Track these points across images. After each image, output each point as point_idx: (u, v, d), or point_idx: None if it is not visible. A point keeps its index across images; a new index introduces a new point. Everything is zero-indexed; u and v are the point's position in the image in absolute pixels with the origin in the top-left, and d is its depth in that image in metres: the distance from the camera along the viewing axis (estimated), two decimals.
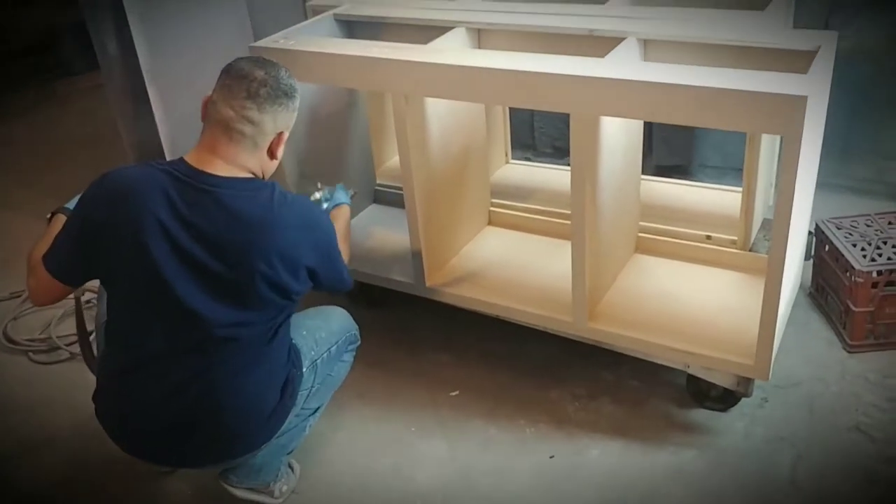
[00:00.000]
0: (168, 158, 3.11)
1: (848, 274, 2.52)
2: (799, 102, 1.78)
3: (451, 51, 2.29)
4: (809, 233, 2.80)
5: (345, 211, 2.34)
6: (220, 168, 1.79)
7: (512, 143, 3.40)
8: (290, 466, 2.29)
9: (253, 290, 1.80)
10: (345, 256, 2.07)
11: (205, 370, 1.84)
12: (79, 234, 1.80)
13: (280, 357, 1.97)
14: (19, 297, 3.26)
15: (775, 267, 1.98)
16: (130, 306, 1.83)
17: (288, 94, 1.85)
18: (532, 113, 3.75)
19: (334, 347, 2.18)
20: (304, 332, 2.11)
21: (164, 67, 3.05)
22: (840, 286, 2.59)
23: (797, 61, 2.06)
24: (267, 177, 1.90)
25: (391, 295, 2.81)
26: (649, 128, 3.34)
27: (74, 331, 2.93)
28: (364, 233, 2.96)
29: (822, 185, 3.41)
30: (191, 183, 1.76)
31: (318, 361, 2.11)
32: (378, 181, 3.13)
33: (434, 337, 2.83)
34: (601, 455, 2.32)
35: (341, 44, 2.44)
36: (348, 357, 2.29)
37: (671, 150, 3.59)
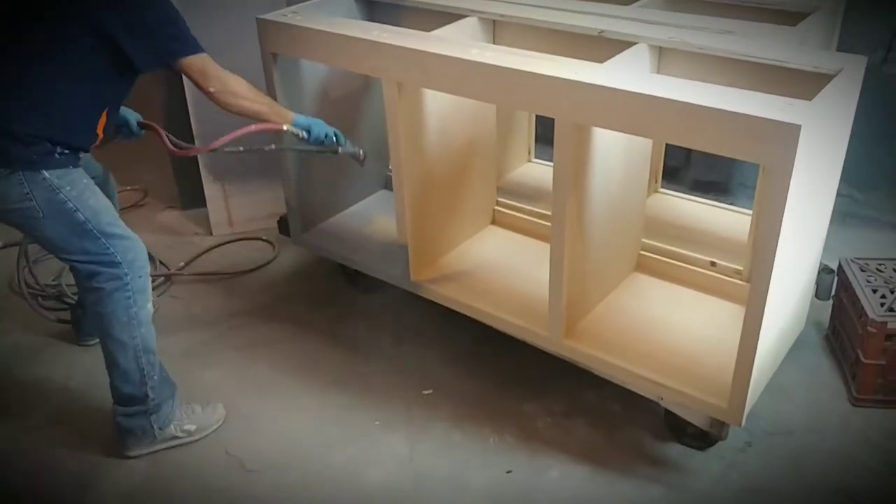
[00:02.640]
0: (193, 121, 3.15)
1: (862, 321, 2.32)
2: (791, 131, 1.62)
3: (448, 42, 2.19)
4: (832, 271, 2.59)
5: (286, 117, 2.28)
6: None
7: (543, 139, 3.28)
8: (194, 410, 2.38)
9: None
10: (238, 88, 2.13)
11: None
12: None
13: (33, 94, 1.98)
14: None
15: (755, 306, 1.82)
16: None
17: None
18: None
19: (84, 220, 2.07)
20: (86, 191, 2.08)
21: (196, 32, 3.05)
22: (854, 333, 2.38)
23: (813, 85, 1.88)
24: None
25: (388, 283, 2.75)
26: None
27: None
28: (367, 218, 2.91)
29: (867, 220, 3.20)
30: None
31: (58, 195, 2.03)
32: (391, 166, 3.06)
33: (423, 332, 2.76)
34: (561, 478, 2.21)
35: (342, 23, 2.37)
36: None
37: (710, 165, 3.39)
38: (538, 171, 3.16)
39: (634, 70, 2.03)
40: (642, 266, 2.53)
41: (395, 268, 2.58)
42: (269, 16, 2.44)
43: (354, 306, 2.91)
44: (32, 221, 2.06)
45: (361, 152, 2.44)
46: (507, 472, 2.23)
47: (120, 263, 2.13)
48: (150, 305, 2.23)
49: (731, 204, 3.00)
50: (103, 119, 2.12)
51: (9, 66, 1.99)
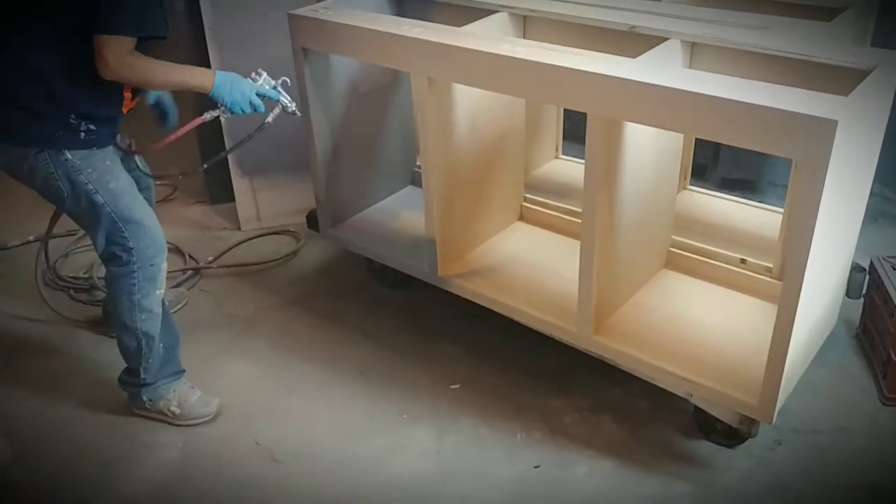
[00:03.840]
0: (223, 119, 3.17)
1: (893, 319, 2.30)
2: (827, 127, 1.61)
3: (479, 37, 2.20)
4: (863, 269, 2.57)
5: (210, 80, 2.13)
6: None
7: (570, 136, 3.27)
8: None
9: None
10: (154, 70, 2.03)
11: None
12: None
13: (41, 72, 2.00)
14: (74, 234, 3.40)
15: (788, 304, 1.81)
16: None
17: None
18: None
19: (103, 203, 2.13)
20: (105, 172, 2.13)
21: (226, 28, 3.09)
22: (885, 332, 2.37)
23: (848, 81, 1.87)
24: None
25: (415, 277, 2.76)
26: None
27: None
28: (394, 214, 2.92)
29: None
30: None
31: (82, 180, 2.09)
32: (418, 163, 3.08)
33: (449, 327, 2.77)
34: (588, 474, 2.21)
35: (373, 18, 2.38)
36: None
37: (739, 163, 3.38)
38: (566, 168, 3.16)
39: (667, 65, 2.02)
40: (671, 263, 2.52)
41: (422, 263, 2.59)
42: (301, 11, 2.46)
43: (381, 301, 2.93)
44: (59, 199, 2.15)
45: (292, 107, 2.25)
46: (535, 468, 2.24)
47: (131, 249, 2.19)
48: (158, 293, 2.28)
49: (760, 202, 2.98)
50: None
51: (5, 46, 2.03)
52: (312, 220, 2.97)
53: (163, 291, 2.31)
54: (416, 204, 2.96)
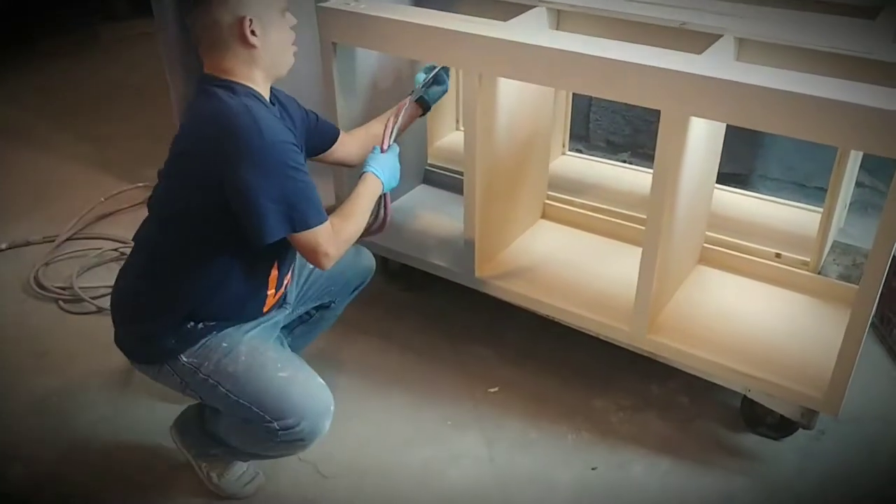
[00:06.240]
0: None
1: None
2: None
3: (535, 31, 2.15)
4: None
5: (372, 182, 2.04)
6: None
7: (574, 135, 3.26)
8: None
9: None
10: (345, 219, 1.90)
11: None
12: None
13: (170, 287, 1.85)
14: (52, 241, 3.16)
15: (865, 300, 1.83)
16: None
17: None
18: (589, 103, 3.61)
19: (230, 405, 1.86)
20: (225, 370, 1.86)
21: None
22: None
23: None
24: (270, 72, 1.81)
25: (432, 279, 2.68)
26: None
27: (98, 283, 2.88)
28: (411, 214, 2.83)
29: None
30: None
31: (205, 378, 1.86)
32: (428, 161, 3.00)
33: (475, 328, 2.71)
34: (646, 472, 2.20)
35: (415, 12, 2.29)
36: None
37: (732, 157, 3.43)
38: (573, 164, 3.14)
39: (734, 61, 2.03)
40: (705, 258, 2.54)
41: (454, 264, 2.52)
42: (332, 4, 2.33)
43: (400, 304, 2.83)
44: (190, 395, 1.95)
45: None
46: (593, 469, 2.21)
47: (277, 431, 1.82)
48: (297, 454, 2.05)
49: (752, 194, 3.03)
50: (274, 274, 1.94)
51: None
52: None
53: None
54: (431, 203, 2.90)
